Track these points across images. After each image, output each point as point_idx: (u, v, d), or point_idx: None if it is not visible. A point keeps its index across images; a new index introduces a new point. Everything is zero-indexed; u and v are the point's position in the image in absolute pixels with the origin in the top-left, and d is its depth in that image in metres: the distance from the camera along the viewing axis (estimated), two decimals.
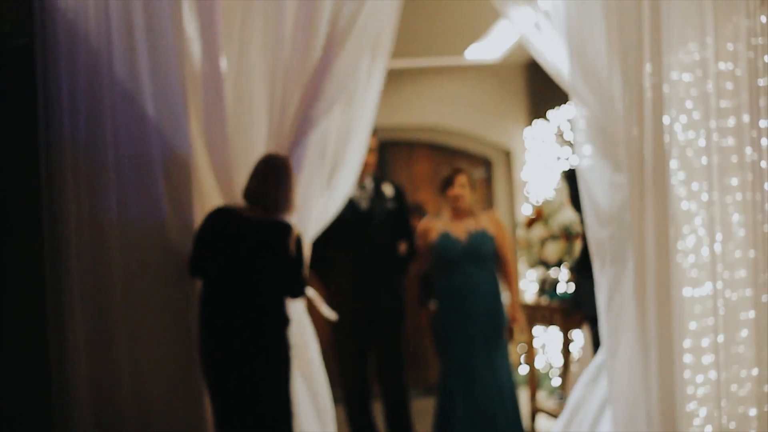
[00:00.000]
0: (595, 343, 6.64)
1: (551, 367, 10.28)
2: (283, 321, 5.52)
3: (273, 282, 5.48)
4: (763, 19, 5.65)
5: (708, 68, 5.66)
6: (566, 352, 8.70)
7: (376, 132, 7.11)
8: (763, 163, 5.67)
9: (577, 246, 8.83)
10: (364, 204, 7.16)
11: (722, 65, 5.64)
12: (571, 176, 6.30)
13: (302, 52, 5.77)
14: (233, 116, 5.85)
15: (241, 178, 5.75)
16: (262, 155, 5.64)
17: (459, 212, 7.39)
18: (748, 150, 5.71)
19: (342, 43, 5.80)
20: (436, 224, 7.42)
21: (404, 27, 9.89)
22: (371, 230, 7.12)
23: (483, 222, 7.35)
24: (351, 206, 7.06)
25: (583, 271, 6.50)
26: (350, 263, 7.10)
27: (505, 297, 7.36)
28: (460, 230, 7.30)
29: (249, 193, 5.54)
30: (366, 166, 7.03)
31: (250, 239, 5.44)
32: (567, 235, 8.95)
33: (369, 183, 7.23)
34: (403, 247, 7.29)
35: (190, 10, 5.82)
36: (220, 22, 5.76)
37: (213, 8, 5.71)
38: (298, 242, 5.58)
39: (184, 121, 5.73)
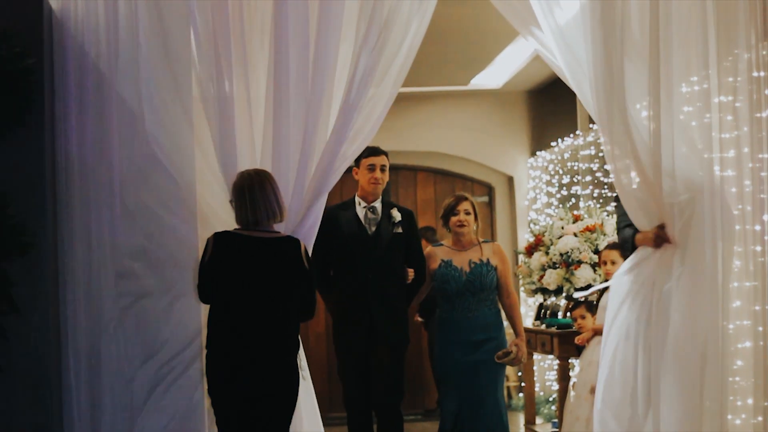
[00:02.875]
0: None
1: (551, 393, 10.29)
2: (295, 344, 5.51)
3: (290, 301, 5.43)
4: (764, 52, 5.69)
5: (709, 100, 5.71)
6: (563, 378, 8.72)
7: (386, 152, 7.08)
8: (762, 195, 5.70)
9: (578, 272, 8.86)
10: (371, 227, 6.98)
11: (723, 97, 5.68)
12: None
13: (322, 95, 5.81)
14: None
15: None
16: (240, 177, 5.51)
17: (462, 241, 7.14)
18: (747, 181, 5.74)
19: (364, 87, 5.86)
20: (438, 252, 7.17)
21: None
22: (377, 254, 6.90)
23: (486, 252, 7.10)
24: (358, 228, 6.95)
25: None
26: (353, 287, 6.88)
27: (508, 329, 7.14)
28: (463, 260, 7.06)
29: (256, 212, 5.41)
30: (375, 182, 6.98)
31: (269, 258, 5.39)
32: (567, 262, 8.98)
33: (378, 205, 7.05)
34: (411, 274, 7.04)
35: (201, 34, 5.82)
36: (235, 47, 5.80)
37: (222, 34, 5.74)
38: (307, 256, 5.55)
39: (189, 144, 5.75)
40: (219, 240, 5.44)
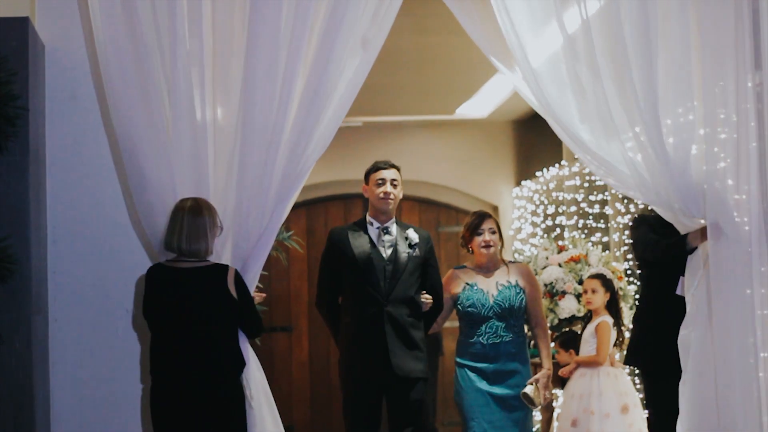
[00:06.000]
0: (653, 400, 6.21)
1: (534, 424, 10.24)
2: (237, 365, 5.39)
3: (218, 329, 5.32)
4: (749, 84, 5.68)
5: (694, 132, 5.70)
6: (546, 409, 8.69)
7: (397, 165, 6.49)
8: (746, 227, 5.69)
9: (562, 303, 8.84)
10: (386, 249, 6.35)
11: (709, 129, 5.67)
12: (637, 221, 6.31)
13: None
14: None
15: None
16: (180, 204, 5.35)
17: (488, 262, 6.61)
18: (735, 213, 5.74)
19: (322, 108, 5.60)
20: (460, 274, 6.63)
21: (394, 84, 9.99)
22: (393, 280, 6.27)
23: (514, 274, 6.60)
24: (372, 251, 6.32)
25: (643, 321, 6.28)
26: (367, 316, 6.26)
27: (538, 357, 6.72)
28: (489, 283, 6.54)
29: (173, 241, 5.30)
30: (386, 198, 6.35)
31: (192, 288, 5.29)
32: (551, 293, 8.96)
33: (393, 226, 6.42)
34: (428, 301, 6.42)
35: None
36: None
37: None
38: (239, 281, 5.39)
39: (168, 172, 5.70)
40: (150, 273, 5.38)
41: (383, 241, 6.37)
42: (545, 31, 5.84)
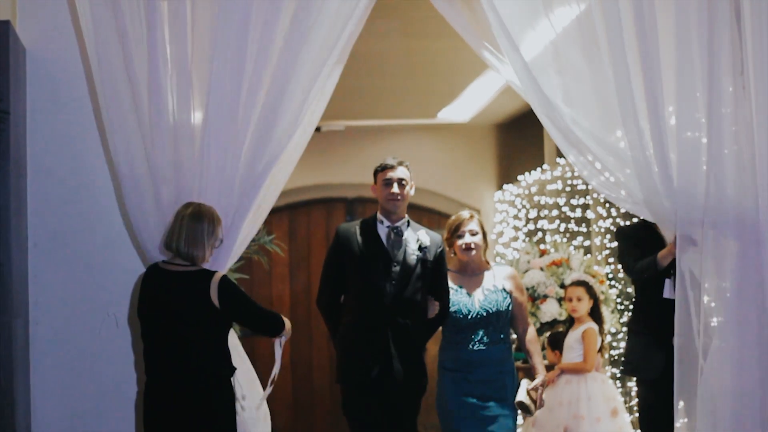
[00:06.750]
0: (650, 408, 6.24)
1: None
2: (221, 370, 5.36)
3: (201, 335, 5.27)
4: (730, 88, 5.69)
5: (675, 136, 5.72)
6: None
7: (405, 162, 6.25)
8: (721, 233, 5.71)
9: (543, 307, 8.86)
10: (394, 250, 6.08)
11: (689, 133, 5.69)
12: (620, 234, 6.35)
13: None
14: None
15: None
16: (182, 208, 5.32)
17: (472, 265, 6.36)
18: (709, 219, 5.75)
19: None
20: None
21: (376, 88, 10.00)
22: (400, 282, 6.01)
23: (500, 277, 6.34)
24: (379, 251, 6.06)
25: (635, 329, 6.33)
26: (369, 318, 6.01)
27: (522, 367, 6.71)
28: (475, 287, 6.29)
29: (169, 241, 5.30)
30: (393, 199, 6.10)
31: (175, 293, 5.26)
32: (533, 296, 8.98)
33: (404, 226, 6.14)
34: (435, 307, 6.16)
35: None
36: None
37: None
38: (225, 288, 5.29)
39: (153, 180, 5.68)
40: (146, 272, 5.41)
41: (392, 241, 6.10)
42: (538, 24, 5.81)
